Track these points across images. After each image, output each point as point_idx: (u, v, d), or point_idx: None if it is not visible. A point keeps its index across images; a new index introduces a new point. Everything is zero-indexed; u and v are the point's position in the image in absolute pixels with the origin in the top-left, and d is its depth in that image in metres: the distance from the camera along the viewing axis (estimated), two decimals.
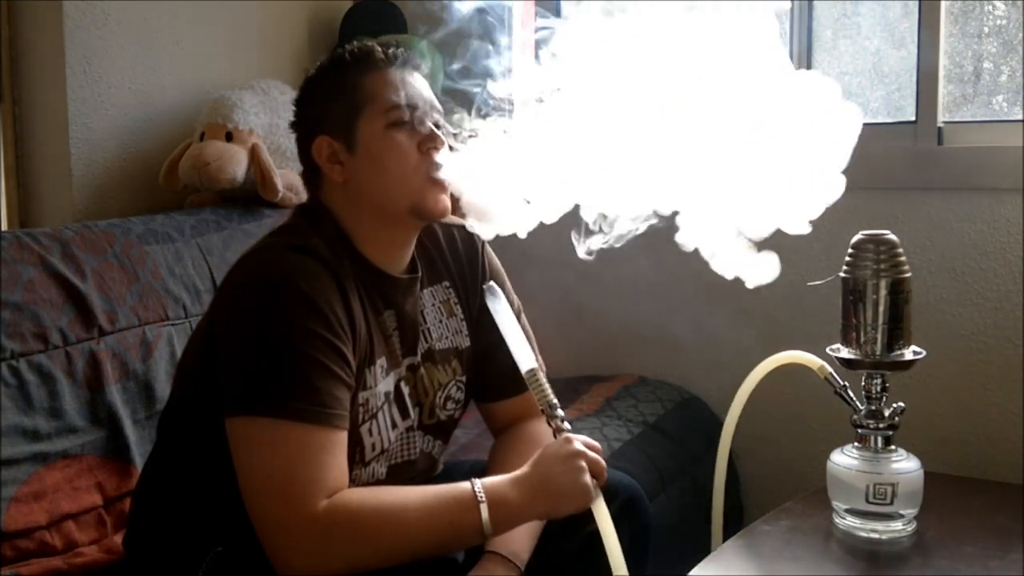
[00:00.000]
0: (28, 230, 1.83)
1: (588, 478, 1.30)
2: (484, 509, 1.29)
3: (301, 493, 1.27)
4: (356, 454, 1.41)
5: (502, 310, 1.45)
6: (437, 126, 1.44)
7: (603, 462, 1.34)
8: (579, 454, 1.31)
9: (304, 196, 2.27)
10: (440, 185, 1.43)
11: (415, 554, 1.30)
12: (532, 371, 1.35)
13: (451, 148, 1.41)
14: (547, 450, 1.34)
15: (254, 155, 2.21)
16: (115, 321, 1.81)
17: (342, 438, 1.33)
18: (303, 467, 1.28)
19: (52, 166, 2.17)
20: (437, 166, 1.41)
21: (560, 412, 1.35)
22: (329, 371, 1.32)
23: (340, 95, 1.44)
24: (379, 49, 1.46)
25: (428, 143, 1.42)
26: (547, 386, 1.35)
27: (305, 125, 1.49)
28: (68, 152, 2.15)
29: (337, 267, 1.38)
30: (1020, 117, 2.26)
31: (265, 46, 2.57)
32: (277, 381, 1.30)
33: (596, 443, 1.36)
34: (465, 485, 1.31)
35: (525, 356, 1.37)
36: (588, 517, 1.29)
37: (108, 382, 1.76)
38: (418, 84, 1.47)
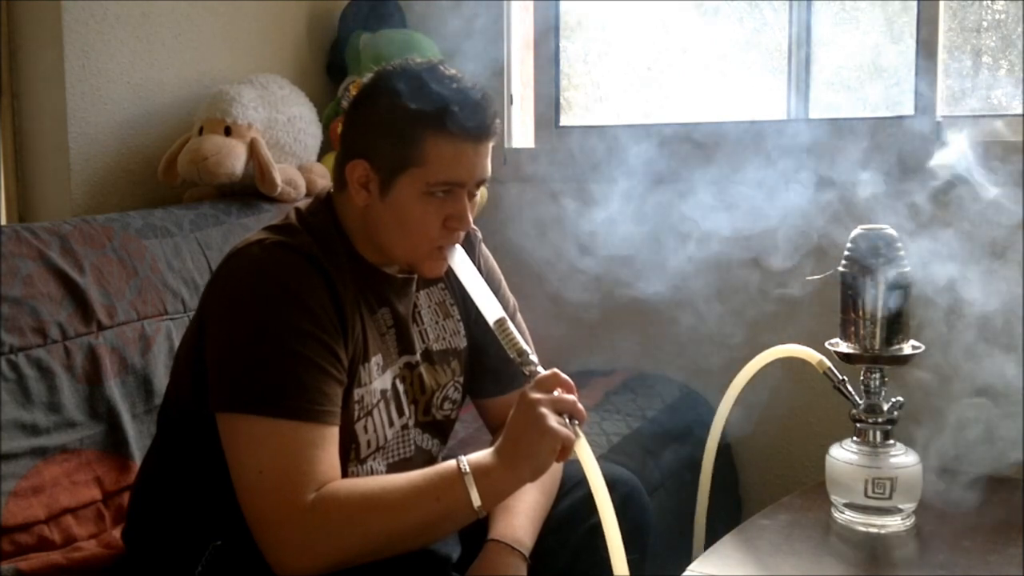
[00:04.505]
0: (27, 224, 1.82)
1: (551, 420, 1.25)
2: (470, 481, 1.27)
3: (291, 488, 1.27)
4: (352, 451, 1.42)
5: (463, 266, 1.43)
6: (471, 196, 1.42)
7: (569, 398, 1.28)
8: (535, 401, 1.26)
9: (302, 191, 2.30)
10: (443, 258, 1.43)
11: (406, 538, 1.29)
12: (500, 320, 1.34)
13: (473, 231, 1.38)
14: (513, 410, 1.30)
15: (253, 149, 2.21)
16: (114, 315, 1.80)
17: (332, 433, 1.33)
18: (293, 463, 1.28)
19: (51, 161, 2.17)
20: (451, 243, 1.43)
21: (533, 359, 1.33)
22: (317, 367, 1.32)
23: (399, 140, 1.37)
24: (457, 112, 1.35)
25: (454, 222, 1.41)
26: (517, 335, 1.33)
27: (354, 137, 1.44)
28: (67, 147, 2.14)
29: (329, 265, 1.38)
30: (1019, 112, 2.25)
31: (264, 41, 2.56)
32: (265, 378, 1.30)
33: (566, 378, 1.30)
34: (450, 462, 1.30)
35: (492, 308, 1.36)
36: (591, 510, 1.25)
37: (107, 376, 1.76)
38: (480, 156, 1.40)
